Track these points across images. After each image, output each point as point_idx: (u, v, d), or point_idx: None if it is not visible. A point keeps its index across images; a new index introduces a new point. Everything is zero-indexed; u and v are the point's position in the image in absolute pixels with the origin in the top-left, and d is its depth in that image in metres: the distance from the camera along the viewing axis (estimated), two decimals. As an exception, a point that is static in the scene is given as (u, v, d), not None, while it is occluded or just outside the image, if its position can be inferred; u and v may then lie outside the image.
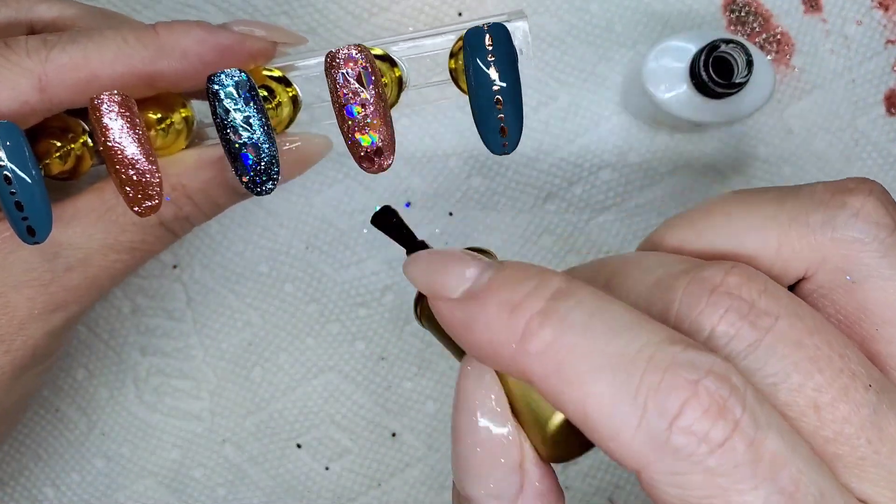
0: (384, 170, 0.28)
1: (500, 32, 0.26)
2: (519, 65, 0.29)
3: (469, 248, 0.24)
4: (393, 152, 0.28)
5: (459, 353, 0.24)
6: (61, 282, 0.30)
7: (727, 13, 0.41)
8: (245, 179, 0.28)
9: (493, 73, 0.26)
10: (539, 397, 0.22)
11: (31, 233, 0.27)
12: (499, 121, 0.27)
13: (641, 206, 0.41)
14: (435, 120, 0.41)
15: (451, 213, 0.41)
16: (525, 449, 0.22)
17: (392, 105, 0.32)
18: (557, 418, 0.22)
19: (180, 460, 0.42)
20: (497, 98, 0.27)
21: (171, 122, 0.31)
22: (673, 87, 0.37)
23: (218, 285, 0.42)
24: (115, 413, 0.42)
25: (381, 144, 0.27)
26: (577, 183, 0.41)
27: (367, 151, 0.28)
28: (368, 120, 0.27)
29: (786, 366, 0.20)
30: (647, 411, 0.18)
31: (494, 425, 0.22)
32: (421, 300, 0.25)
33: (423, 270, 0.23)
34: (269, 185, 0.28)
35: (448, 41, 0.30)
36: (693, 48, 0.37)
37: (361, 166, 0.28)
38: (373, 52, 0.30)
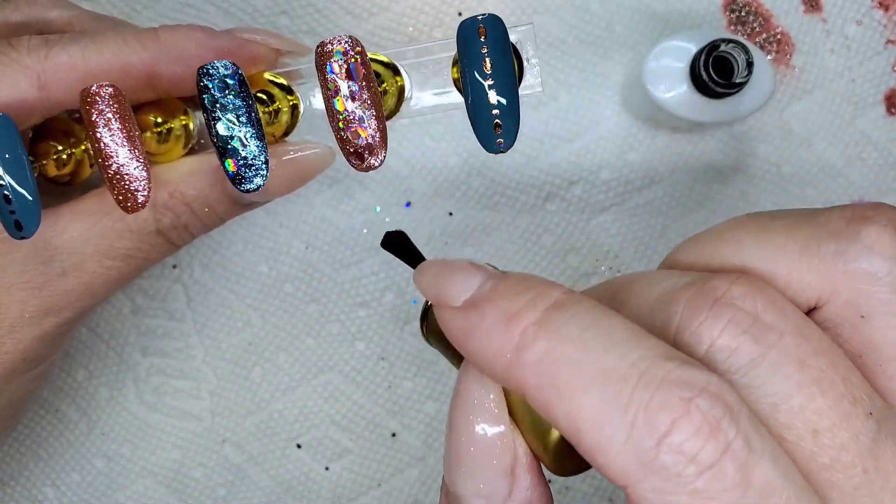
0: (374, 168, 0.27)
1: (495, 24, 0.25)
2: (525, 69, 0.28)
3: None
4: (384, 150, 0.27)
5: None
6: (54, 286, 0.30)
7: (727, 13, 0.41)
8: (230, 174, 0.27)
9: (486, 67, 0.25)
10: None
11: (19, 227, 0.27)
12: (493, 116, 0.26)
13: (641, 206, 0.41)
14: (435, 120, 0.41)
15: (451, 213, 0.41)
16: (519, 454, 0.22)
17: (393, 114, 0.31)
18: (556, 431, 0.21)
19: (180, 460, 0.42)
20: (491, 93, 0.26)
21: (171, 128, 0.31)
22: (673, 87, 0.37)
23: (218, 285, 0.42)
24: (115, 413, 0.42)
25: (370, 141, 0.27)
26: (578, 183, 0.41)
27: (355, 147, 0.27)
28: (358, 114, 0.26)
29: (788, 386, 0.19)
30: (636, 428, 0.18)
31: (489, 426, 0.22)
32: (426, 317, 0.25)
33: (431, 279, 0.23)
34: (258, 181, 0.27)
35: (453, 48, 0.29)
36: (693, 48, 0.37)
37: (350, 162, 0.27)
38: (377, 57, 0.30)
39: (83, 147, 0.31)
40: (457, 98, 0.30)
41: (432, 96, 0.30)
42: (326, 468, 0.42)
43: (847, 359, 0.21)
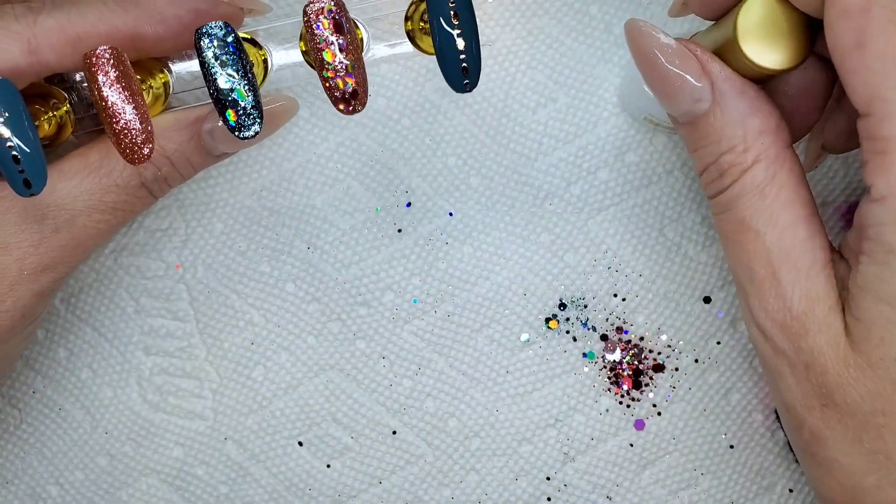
0: (358, 111, 0.30)
1: None
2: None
3: None
4: (366, 95, 0.30)
5: None
6: (49, 243, 0.31)
7: (724, 15, 0.41)
8: (231, 123, 0.29)
9: (454, 20, 0.29)
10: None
11: (28, 185, 0.28)
12: (461, 61, 0.30)
13: (639, 206, 0.41)
14: (435, 121, 0.41)
15: (451, 214, 0.42)
16: (701, 55, 0.29)
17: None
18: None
19: (183, 458, 0.43)
20: (459, 41, 0.29)
21: (151, 87, 0.32)
22: (671, 89, 0.37)
23: (220, 285, 0.42)
24: (118, 412, 0.42)
25: (355, 87, 0.29)
26: (576, 183, 0.41)
27: (343, 94, 0.29)
28: (344, 65, 0.29)
29: None
30: None
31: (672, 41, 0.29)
32: None
33: None
34: (256, 128, 0.29)
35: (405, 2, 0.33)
36: (691, 50, 0.37)
37: (338, 108, 0.30)
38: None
39: (64, 109, 0.32)
40: (408, 48, 0.34)
41: (386, 48, 0.34)
42: (328, 466, 0.43)
43: None
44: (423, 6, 0.32)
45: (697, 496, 0.42)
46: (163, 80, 0.33)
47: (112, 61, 0.28)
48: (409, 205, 0.41)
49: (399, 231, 0.42)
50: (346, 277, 0.42)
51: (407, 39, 0.33)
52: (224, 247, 0.42)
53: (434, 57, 0.30)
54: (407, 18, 0.33)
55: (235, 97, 0.29)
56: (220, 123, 0.32)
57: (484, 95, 0.41)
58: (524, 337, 0.42)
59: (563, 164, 0.41)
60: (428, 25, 0.30)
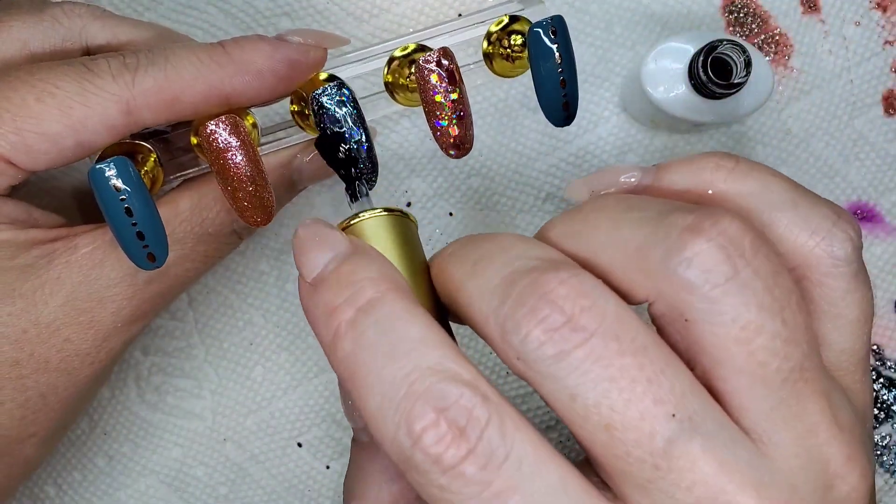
0: (466, 153, 0.31)
1: (560, 23, 0.30)
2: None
3: (384, 209, 0.26)
4: (472, 140, 0.31)
5: None
6: (142, 295, 0.31)
7: (726, 14, 0.41)
8: (354, 177, 0.31)
9: (557, 58, 0.30)
10: None
11: (152, 259, 0.28)
12: (563, 98, 0.30)
13: (640, 206, 0.41)
14: (435, 120, 0.41)
15: (451, 213, 0.41)
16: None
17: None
18: None
19: (182, 459, 0.42)
20: (561, 79, 0.30)
21: None
22: (672, 88, 0.37)
23: (219, 285, 0.42)
24: (116, 412, 0.42)
25: (465, 133, 0.31)
26: (577, 183, 0.41)
27: (454, 141, 0.31)
28: (458, 113, 0.30)
29: (585, 382, 0.21)
30: (399, 430, 0.21)
31: None
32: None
33: (299, 242, 0.25)
34: (374, 180, 0.31)
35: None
36: (692, 49, 0.37)
37: (447, 153, 0.31)
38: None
39: (152, 160, 0.31)
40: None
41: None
42: (327, 467, 0.43)
43: (665, 360, 0.22)
44: (504, 32, 0.32)
45: (699, 498, 0.42)
46: (251, 122, 0.32)
47: (232, 129, 0.28)
48: (409, 205, 0.41)
49: (399, 231, 0.41)
50: (345, 277, 0.42)
51: (483, 60, 0.33)
52: (223, 246, 0.42)
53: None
54: (490, 42, 0.32)
55: (356, 155, 0.30)
56: (307, 160, 0.33)
57: (484, 95, 0.41)
58: (524, 337, 0.42)
59: (563, 165, 0.41)
60: (506, 50, 0.31)
